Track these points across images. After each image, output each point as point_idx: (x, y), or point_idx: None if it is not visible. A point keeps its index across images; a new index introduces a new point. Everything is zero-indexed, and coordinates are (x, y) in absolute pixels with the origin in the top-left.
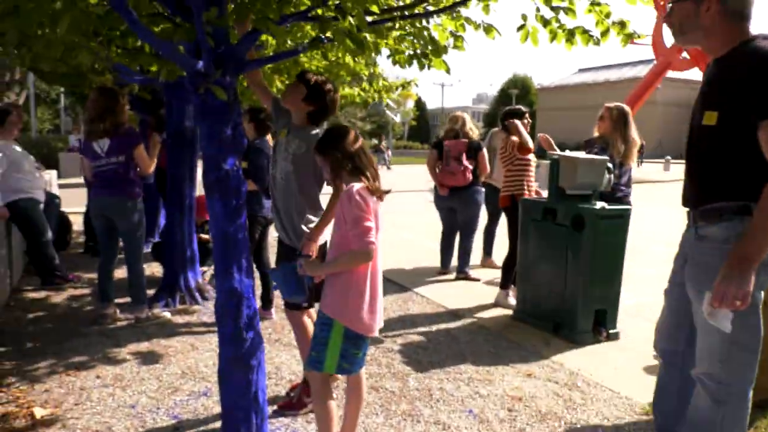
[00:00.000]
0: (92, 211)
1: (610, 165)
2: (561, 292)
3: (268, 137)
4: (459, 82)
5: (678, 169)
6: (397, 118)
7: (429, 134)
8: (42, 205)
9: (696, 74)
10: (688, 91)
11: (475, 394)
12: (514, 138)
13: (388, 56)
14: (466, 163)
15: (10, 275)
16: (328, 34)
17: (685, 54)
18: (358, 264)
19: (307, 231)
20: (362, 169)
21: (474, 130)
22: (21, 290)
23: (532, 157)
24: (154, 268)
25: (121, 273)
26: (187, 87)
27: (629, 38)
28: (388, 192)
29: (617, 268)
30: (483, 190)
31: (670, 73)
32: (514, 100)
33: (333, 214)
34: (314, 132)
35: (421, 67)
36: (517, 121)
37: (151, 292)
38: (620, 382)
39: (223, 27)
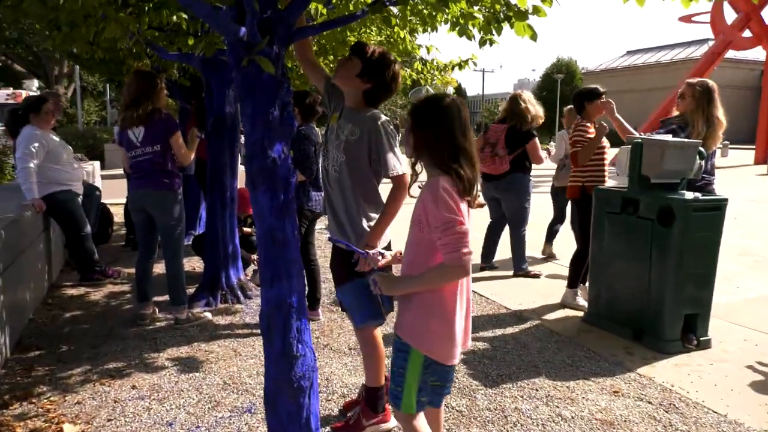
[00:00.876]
0: (130, 204)
1: (702, 150)
2: (643, 294)
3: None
4: (500, 68)
5: (737, 155)
6: None
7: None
8: (81, 198)
9: (757, 54)
10: (746, 72)
11: (558, 417)
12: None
13: (453, 27)
14: (500, 150)
15: (48, 270)
16: None
17: (747, 32)
18: (450, 281)
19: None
20: (461, 161)
21: (533, 110)
22: (60, 286)
23: (605, 142)
24: (194, 263)
25: (160, 268)
26: (229, 60)
27: None
28: (482, 206)
29: (711, 266)
30: (527, 177)
31: (728, 53)
32: (559, 84)
33: (393, 211)
34: (370, 114)
35: (499, 32)
36: (613, 104)
37: (191, 289)
38: (724, 402)
39: None
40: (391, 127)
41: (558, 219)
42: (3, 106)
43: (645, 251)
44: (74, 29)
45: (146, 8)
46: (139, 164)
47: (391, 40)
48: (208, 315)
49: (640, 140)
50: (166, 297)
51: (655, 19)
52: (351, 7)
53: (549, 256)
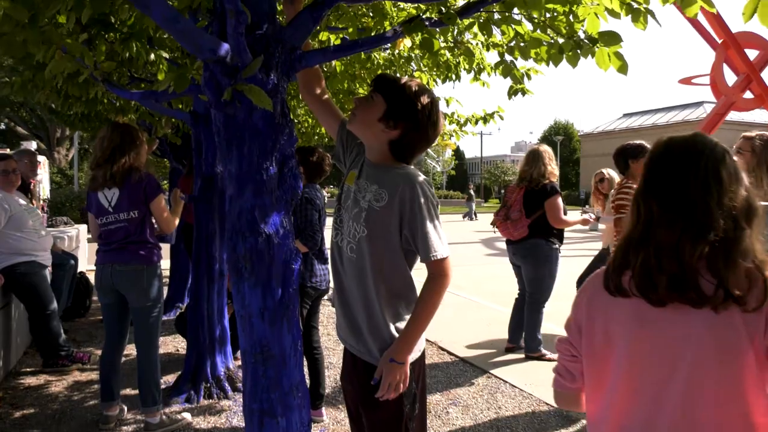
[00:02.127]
0: (96, 283)
1: None
2: None
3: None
4: (498, 131)
5: None
6: (438, 167)
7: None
8: (49, 269)
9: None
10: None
11: None
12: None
13: (498, 66)
14: (514, 213)
15: (5, 355)
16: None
17: (749, 93)
18: None
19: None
20: None
21: (550, 167)
22: (19, 374)
23: None
24: (178, 342)
25: (133, 350)
26: (205, 92)
27: None
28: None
29: None
30: (551, 245)
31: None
32: (559, 146)
33: (431, 311)
34: (403, 172)
35: (575, 62)
36: None
37: (170, 378)
38: None
39: None
40: (432, 190)
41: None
42: None
43: None
44: (37, 73)
45: (103, 35)
46: (111, 233)
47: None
48: (188, 417)
49: None
50: (138, 391)
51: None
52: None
53: None
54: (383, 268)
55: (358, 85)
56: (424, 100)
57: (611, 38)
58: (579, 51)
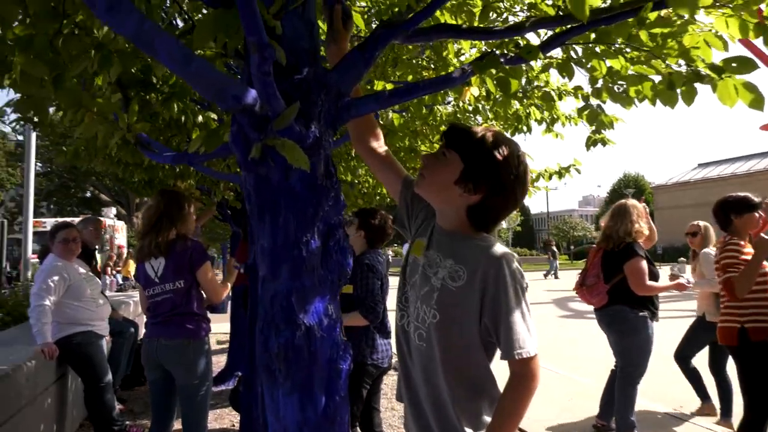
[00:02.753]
0: (143, 359)
1: None
2: None
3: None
4: (564, 185)
5: None
6: (504, 224)
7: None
8: (105, 339)
9: None
10: None
11: None
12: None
13: (581, 111)
14: (590, 279)
15: (58, 429)
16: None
17: None
18: None
19: None
20: None
21: (637, 225)
22: None
23: None
24: (235, 416)
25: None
26: (233, 150)
27: None
28: None
29: None
30: (639, 313)
31: None
32: (630, 196)
33: (518, 414)
34: (485, 245)
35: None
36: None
37: None
38: None
39: (306, 22)
40: (521, 270)
41: (691, 351)
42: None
43: None
44: (90, 140)
45: (142, 95)
46: (158, 305)
47: None
48: None
49: None
50: None
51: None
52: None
53: (705, 413)
54: (458, 362)
55: (420, 142)
56: (509, 154)
57: (742, 65)
58: (694, 84)
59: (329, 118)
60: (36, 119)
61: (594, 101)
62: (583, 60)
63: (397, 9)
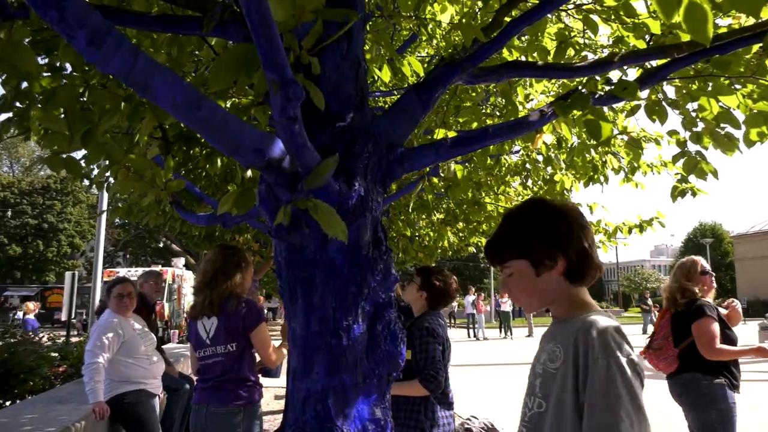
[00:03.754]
0: (192, 425)
1: None
2: None
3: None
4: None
5: None
6: None
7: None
8: (159, 397)
9: None
10: None
11: None
12: None
13: (678, 157)
14: (657, 342)
15: None
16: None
17: None
18: None
19: None
20: None
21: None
22: None
23: None
24: None
25: None
26: (262, 214)
27: None
28: None
29: None
30: (715, 381)
31: None
32: (708, 249)
33: None
34: (580, 318)
35: None
36: None
37: None
38: None
39: (351, 60)
40: (625, 342)
41: None
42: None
43: None
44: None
45: (180, 148)
46: (208, 368)
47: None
48: None
49: None
50: None
51: None
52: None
53: None
54: None
55: (484, 194)
56: (534, 212)
57: None
58: None
59: (378, 173)
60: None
61: (692, 147)
62: (679, 100)
63: (461, 46)
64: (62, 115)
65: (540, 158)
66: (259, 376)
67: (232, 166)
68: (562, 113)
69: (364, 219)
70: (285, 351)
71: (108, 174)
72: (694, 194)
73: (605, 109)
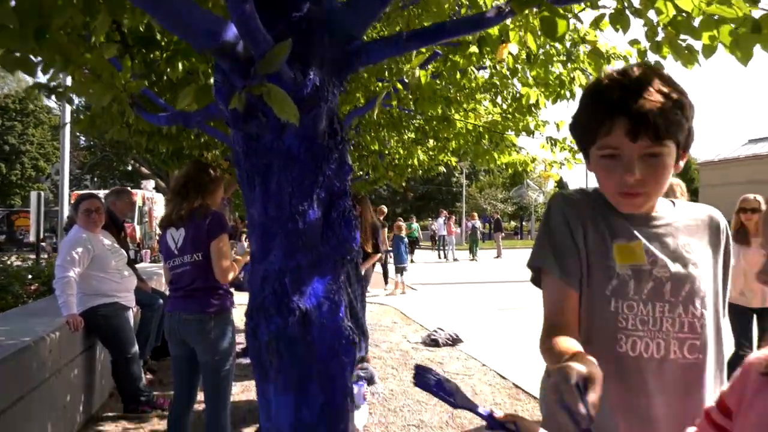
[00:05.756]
0: (166, 333)
1: None
2: None
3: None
4: None
5: None
6: (540, 198)
7: None
8: (131, 310)
9: None
10: None
11: None
12: None
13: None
14: None
15: (86, 401)
16: None
17: None
18: None
19: None
20: None
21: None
22: (100, 419)
23: None
24: None
25: None
26: (219, 103)
27: None
28: None
29: None
30: None
31: None
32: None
33: None
34: (690, 203)
35: None
36: None
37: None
38: None
39: None
40: None
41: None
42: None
43: None
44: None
45: (144, 53)
46: (178, 277)
47: (509, 114)
48: None
49: None
50: None
51: None
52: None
53: None
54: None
55: (453, 111)
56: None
57: None
58: None
59: (335, 64)
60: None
61: (652, 57)
62: (642, 8)
63: None
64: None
65: (508, 73)
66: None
67: (194, 69)
68: (518, 9)
69: (319, 108)
70: (237, 269)
71: (64, 77)
72: None
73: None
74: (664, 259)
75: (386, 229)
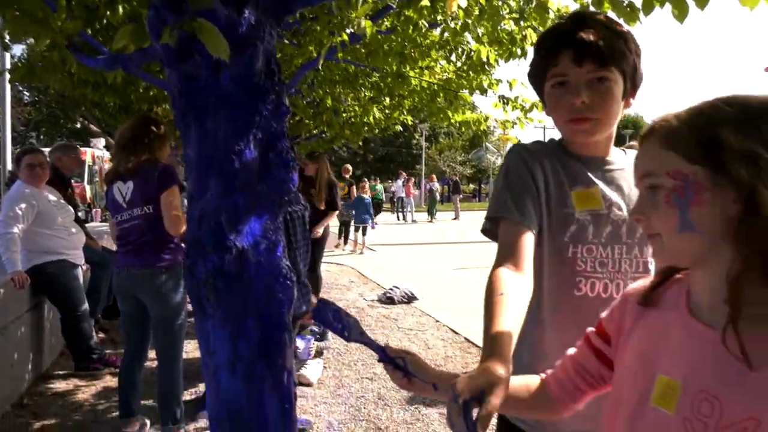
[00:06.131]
0: (114, 289)
1: None
2: None
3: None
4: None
5: None
6: (498, 162)
7: None
8: (80, 268)
9: None
10: None
11: None
12: None
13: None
14: None
15: (36, 359)
16: None
17: None
18: None
19: None
20: None
21: None
22: (51, 377)
23: None
24: None
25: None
26: (152, 40)
27: None
28: None
29: None
30: None
31: None
32: (628, 140)
33: None
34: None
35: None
36: None
37: (202, 387)
38: None
39: None
40: None
41: None
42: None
43: None
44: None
45: None
46: (126, 232)
47: (463, 72)
48: None
49: None
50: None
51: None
52: None
53: None
54: None
55: (408, 67)
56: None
57: None
58: None
59: (272, 4)
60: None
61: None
62: None
63: None
64: None
65: (459, 28)
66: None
67: (136, 14)
68: None
69: (256, 48)
70: (182, 225)
71: None
72: None
73: None
74: (619, 203)
75: (354, 187)
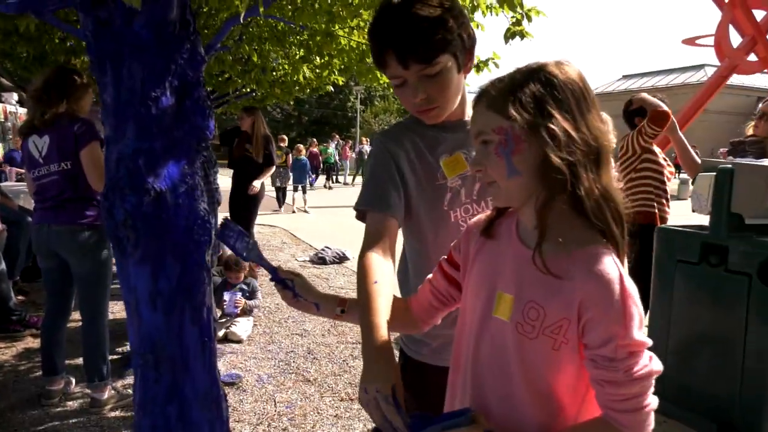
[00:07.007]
0: (34, 246)
1: None
2: (734, 377)
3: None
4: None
5: None
6: None
7: None
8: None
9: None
10: (743, 99)
11: None
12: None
13: None
14: None
15: None
16: None
17: (753, 56)
18: None
19: None
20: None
21: None
22: None
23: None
24: None
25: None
26: None
27: None
28: None
29: None
30: None
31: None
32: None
33: None
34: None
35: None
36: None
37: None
38: None
39: None
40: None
41: None
42: None
43: (736, 318)
44: None
45: None
46: (44, 188)
47: None
48: None
49: (729, 166)
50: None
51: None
52: None
53: None
54: None
55: (337, 26)
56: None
57: None
58: None
59: None
60: None
61: None
62: None
63: None
64: None
65: None
66: None
67: None
68: None
69: None
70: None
71: None
72: (522, 36)
73: None
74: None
75: (289, 155)
